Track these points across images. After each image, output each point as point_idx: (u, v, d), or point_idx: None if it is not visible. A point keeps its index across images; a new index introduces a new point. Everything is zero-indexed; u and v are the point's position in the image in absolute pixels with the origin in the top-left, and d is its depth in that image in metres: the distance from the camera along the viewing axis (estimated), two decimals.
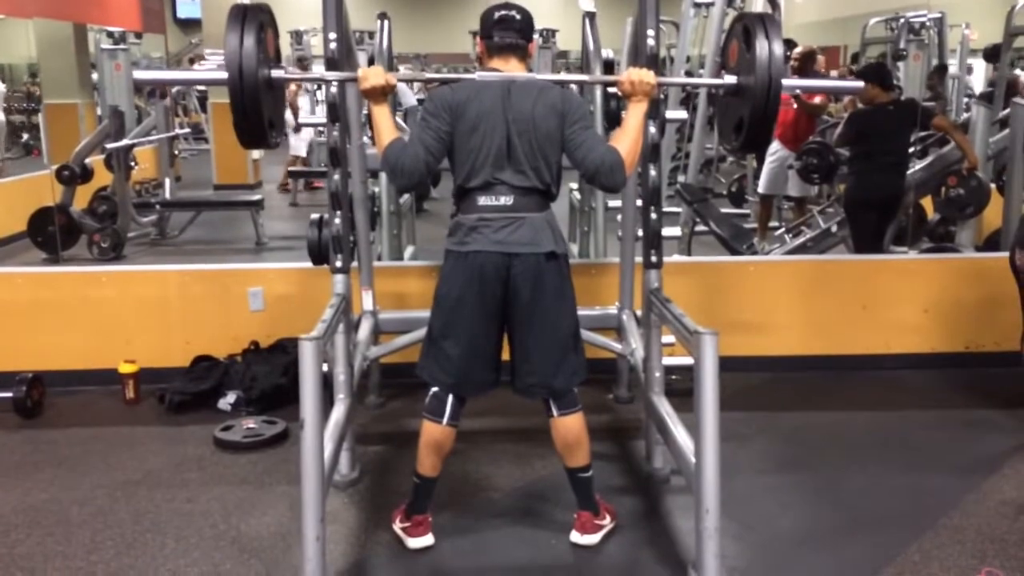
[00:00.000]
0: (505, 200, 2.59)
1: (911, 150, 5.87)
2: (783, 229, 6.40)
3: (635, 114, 2.62)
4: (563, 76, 2.62)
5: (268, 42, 2.62)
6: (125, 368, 3.91)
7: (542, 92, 2.60)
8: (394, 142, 2.56)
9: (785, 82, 2.64)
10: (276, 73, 2.64)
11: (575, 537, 2.78)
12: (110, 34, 10.35)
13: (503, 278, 2.58)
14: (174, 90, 11.67)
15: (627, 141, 2.58)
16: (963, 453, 3.48)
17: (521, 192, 2.59)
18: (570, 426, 2.72)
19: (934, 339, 4.33)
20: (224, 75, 2.50)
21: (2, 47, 11.79)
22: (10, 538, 2.82)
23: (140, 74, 3.01)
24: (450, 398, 2.68)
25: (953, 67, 8.56)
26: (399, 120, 4.19)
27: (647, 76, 2.60)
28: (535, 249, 2.58)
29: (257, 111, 2.55)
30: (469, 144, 2.57)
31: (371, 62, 4.52)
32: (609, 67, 4.35)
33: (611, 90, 4.45)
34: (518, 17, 2.65)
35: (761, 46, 2.57)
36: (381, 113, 2.60)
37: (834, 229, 5.63)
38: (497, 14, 2.65)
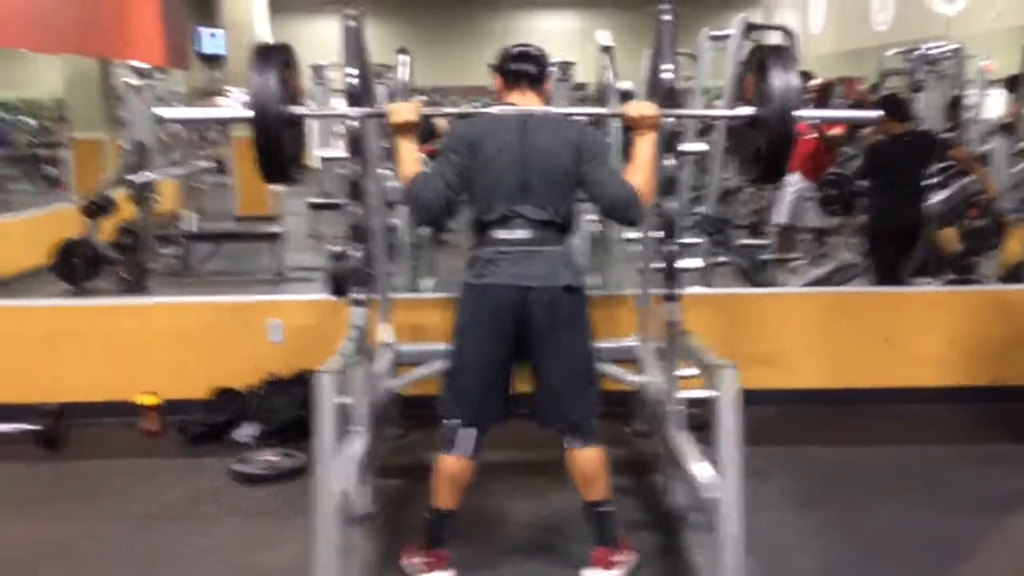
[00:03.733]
0: (522, 234, 2.60)
1: (931, 181, 5.85)
2: (803, 260, 6.37)
3: (643, 147, 2.64)
4: (576, 110, 2.67)
5: (290, 80, 2.66)
6: (145, 400, 3.93)
7: (559, 127, 2.63)
8: (416, 176, 2.59)
9: (801, 112, 2.65)
10: (298, 110, 2.68)
11: (592, 573, 2.74)
12: (135, 70, 10.52)
13: (519, 311, 2.58)
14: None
15: (640, 175, 2.59)
16: (987, 490, 3.42)
17: (538, 226, 2.60)
18: (588, 459, 2.70)
19: (958, 372, 4.27)
20: (248, 113, 2.55)
21: (31, 82, 12.02)
22: (23, 573, 2.82)
23: (166, 112, 3.07)
24: (468, 431, 2.67)
25: (971, 98, 8.52)
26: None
27: (649, 109, 2.64)
28: (552, 282, 2.59)
29: (279, 148, 2.59)
30: (487, 178, 2.59)
31: (391, 96, 4.57)
32: (627, 99, 4.37)
33: None
34: (534, 53, 2.72)
35: (777, 78, 2.58)
36: (407, 147, 2.63)
37: (855, 260, 5.61)
38: (515, 50, 2.72)
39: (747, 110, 2.76)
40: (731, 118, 2.93)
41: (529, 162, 2.58)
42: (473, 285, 2.63)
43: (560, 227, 2.65)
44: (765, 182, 2.68)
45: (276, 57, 2.60)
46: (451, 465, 2.68)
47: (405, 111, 2.63)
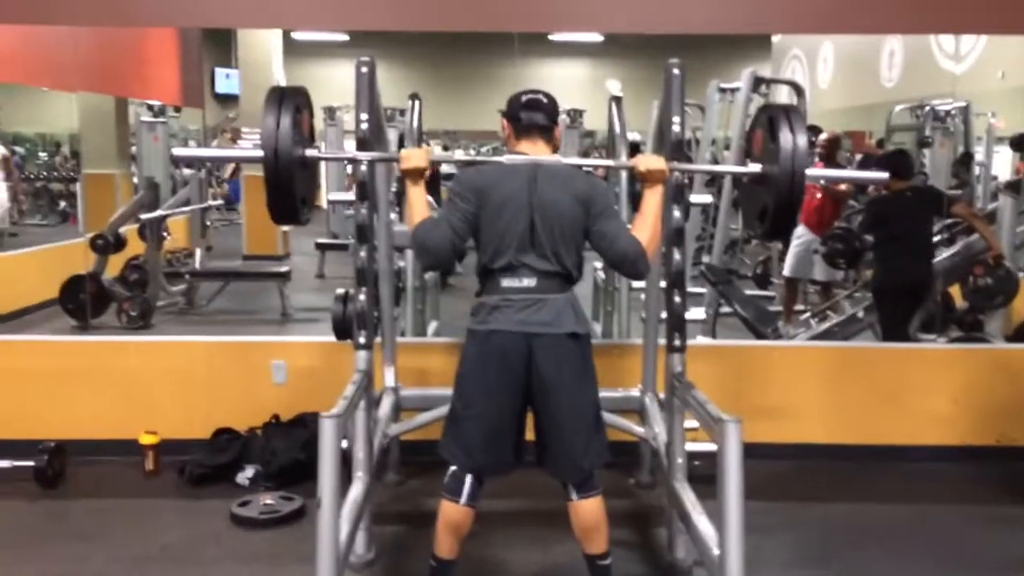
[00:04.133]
0: (528, 282, 2.61)
1: (937, 238, 5.86)
2: (809, 313, 6.36)
3: (651, 200, 2.67)
4: (584, 160, 2.71)
5: (303, 122, 2.69)
6: (145, 439, 3.91)
7: (568, 179, 2.65)
8: (424, 222, 2.61)
9: (809, 172, 2.67)
10: (310, 152, 2.71)
11: None
12: (150, 107, 10.67)
13: (524, 358, 2.58)
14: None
15: (647, 230, 2.62)
16: (993, 550, 3.38)
17: (543, 275, 2.61)
18: (589, 510, 2.68)
19: (964, 431, 4.23)
20: (260, 153, 2.57)
21: (47, 118, 12.18)
22: None
23: (179, 151, 3.12)
24: (468, 478, 2.65)
25: (979, 155, 8.58)
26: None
27: (658, 163, 2.67)
28: (557, 329, 2.59)
29: (290, 189, 2.61)
30: (494, 227, 2.61)
31: (401, 140, 4.61)
32: (635, 149, 4.42)
33: None
34: (545, 101, 2.73)
35: (785, 138, 2.61)
36: (416, 193, 2.66)
37: (860, 315, 5.60)
38: (525, 97, 2.73)
39: (755, 167, 2.79)
40: (739, 174, 2.95)
41: (537, 213, 2.60)
42: (477, 331, 2.63)
43: (565, 277, 2.66)
44: (771, 239, 2.70)
45: (290, 99, 2.63)
46: (452, 512, 2.66)
47: (415, 157, 2.66)
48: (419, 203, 2.66)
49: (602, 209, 2.65)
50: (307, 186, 2.80)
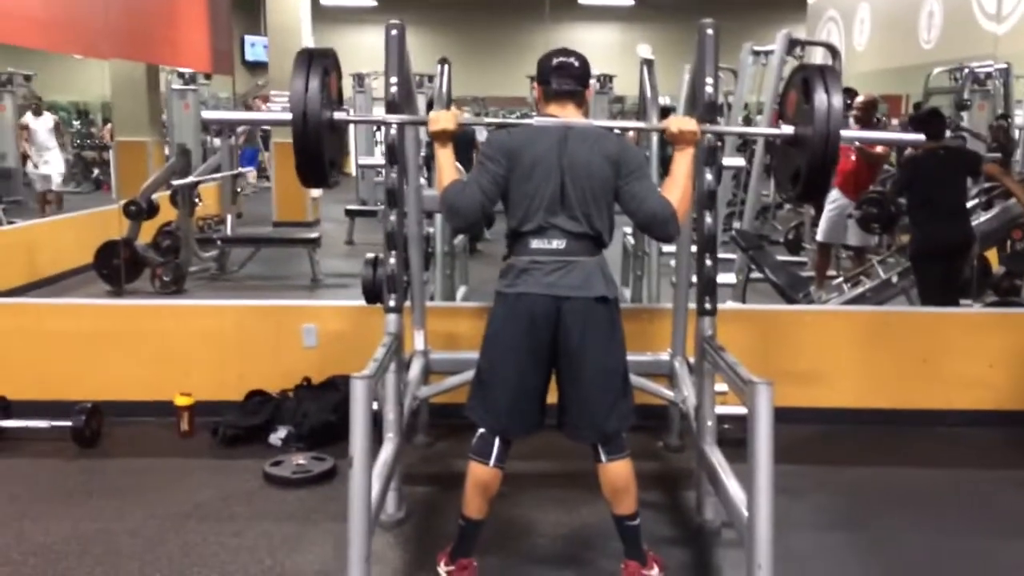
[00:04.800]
0: (557, 244, 2.59)
1: (974, 202, 5.75)
2: (841, 279, 6.30)
3: (681, 162, 2.64)
4: (615, 123, 2.66)
5: (332, 85, 2.68)
6: (180, 400, 3.97)
7: (599, 140, 2.62)
8: (453, 184, 2.60)
9: (844, 133, 2.62)
10: (338, 115, 2.70)
11: None
12: (180, 75, 10.72)
13: (553, 321, 2.57)
14: (239, 129, 12.02)
15: (677, 191, 2.60)
16: None
17: (573, 237, 2.59)
18: (619, 472, 2.68)
19: (999, 396, 4.18)
20: (288, 116, 2.57)
21: (80, 86, 12.28)
22: (61, 566, 2.87)
23: (208, 114, 3.15)
24: (496, 440, 2.66)
25: (1019, 118, 8.40)
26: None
27: (690, 124, 2.64)
28: (586, 293, 2.58)
29: (319, 152, 2.61)
30: (524, 189, 2.59)
31: (429, 105, 4.60)
32: (666, 114, 4.37)
33: None
34: (576, 64, 2.67)
35: (820, 98, 2.57)
36: (445, 155, 2.65)
37: (894, 280, 5.53)
38: (555, 60, 2.67)
39: (788, 129, 2.74)
40: (772, 136, 2.91)
41: (567, 175, 2.57)
42: (507, 294, 2.62)
43: (595, 240, 2.64)
44: (804, 201, 2.67)
45: (318, 62, 2.62)
46: (481, 473, 2.67)
47: (444, 119, 2.64)
48: (448, 166, 2.65)
49: (632, 169, 2.62)
50: (335, 149, 2.79)
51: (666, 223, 2.58)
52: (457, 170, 2.72)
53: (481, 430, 2.69)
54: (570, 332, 2.58)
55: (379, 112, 3.10)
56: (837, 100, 2.58)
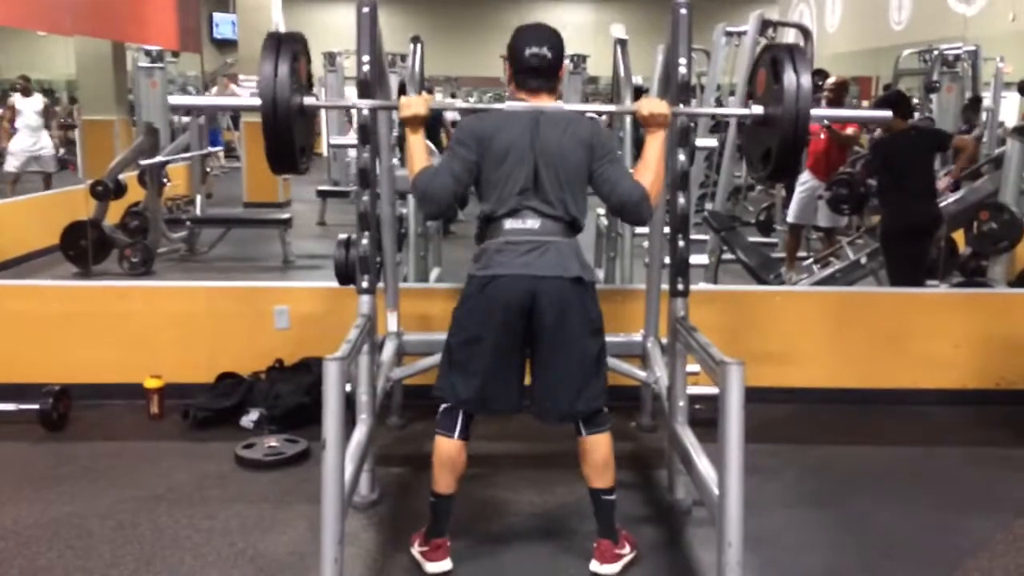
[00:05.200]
0: (532, 224, 2.59)
1: (942, 184, 5.82)
2: (811, 259, 6.35)
3: (653, 145, 2.64)
4: (586, 106, 2.65)
5: (301, 70, 2.65)
6: (150, 383, 3.93)
7: (571, 124, 2.61)
8: (424, 170, 2.59)
9: (813, 112, 2.63)
10: (308, 101, 2.67)
11: (594, 567, 2.74)
12: (147, 52, 10.54)
13: (528, 302, 2.57)
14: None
15: (649, 174, 2.60)
16: (993, 492, 3.41)
17: (548, 218, 2.60)
18: (599, 444, 2.70)
19: (965, 375, 4.25)
20: (258, 102, 2.54)
21: (44, 64, 12.03)
22: (30, 550, 2.84)
23: (175, 99, 3.07)
24: (460, 413, 2.68)
25: (987, 100, 8.49)
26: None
27: (660, 107, 2.64)
28: (562, 273, 2.58)
29: (289, 138, 2.58)
30: (497, 173, 2.58)
31: (402, 87, 4.55)
32: (639, 94, 4.36)
33: None
34: (549, 56, 2.63)
35: (789, 77, 2.57)
36: (416, 141, 2.64)
37: (863, 261, 5.59)
38: (527, 51, 2.62)
39: (758, 108, 2.75)
40: (742, 116, 2.92)
41: (540, 159, 2.57)
42: (479, 276, 2.61)
43: (570, 223, 2.64)
44: (775, 181, 2.67)
45: (287, 46, 2.58)
46: (447, 446, 2.69)
47: (415, 104, 2.63)
48: (419, 151, 2.63)
49: (605, 153, 2.62)
50: (306, 134, 2.76)
51: (638, 206, 2.59)
52: (429, 152, 2.70)
53: (445, 405, 2.70)
54: (544, 314, 2.57)
55: (351, 92, 3.06)
56: (806, 80, 2.58)
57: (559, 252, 2.59)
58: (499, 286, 2.58)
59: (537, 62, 2.62)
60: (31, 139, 9.24)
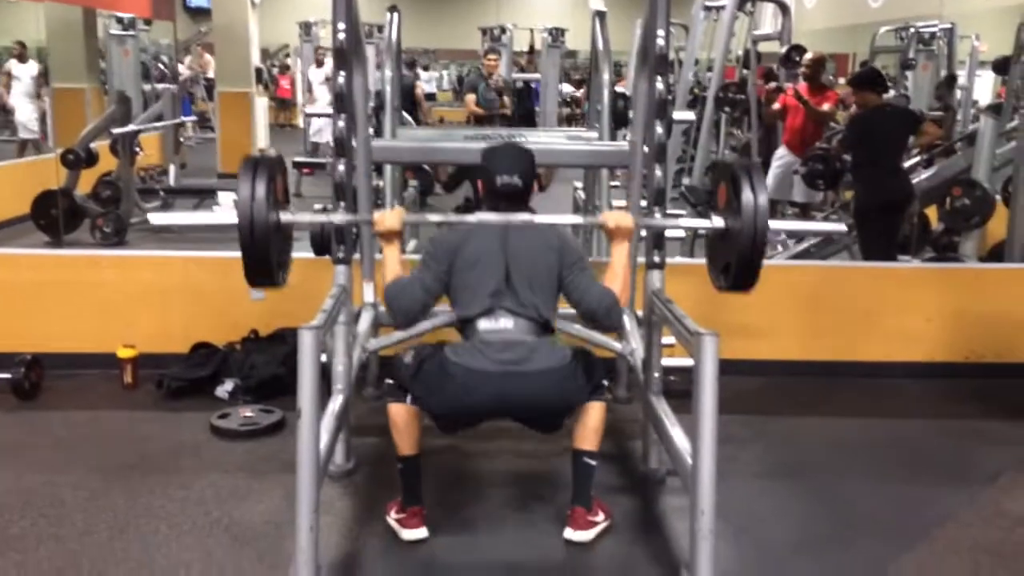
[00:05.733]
0: (505, 323, 2.71)
1: (915, 160, 5.87)
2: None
3: (619, 253, 2.77)
4: (555, 218, 2.77)
5: (277, 188, 2.70)
6: (124, 353, 3.90)
7: (539, 232, 2.77)
8: (396, 281, 2.73)
9: (772, 224, 2.70)
10: (285, 217, 2.72)
11: (568, 534, 2.77)
12: (119, 20, 10.34)
13: (500, 394, 2.64)
14: (182, 78, 11.69)
15: (618, 282, 2.74)
16: (961, 463, 3.48)
17: (522, 318, 2.71)
18: (595, 409, 2.77)
19: (935, 349, 4.31)
20: (235, 220, 2.59)
21: (12, 30, 11.78)
22: (3, 519, 2.82)
23: (155, 217, 3.22)
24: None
25: (962, 78, 8.55)
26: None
27: (626, 220, 2.76)
28: (535, 366, 2.65)
29: (266, 253, 2.62)
30: (469, 279, 2.72)
31: (378, 97, 4.47)
32: (618, 71, 4.35)
33: (618, 89, 4.47)
34: (519, 185, 2.77)
35: (747, 196, 2.64)
36: (390, 252, 2.76)
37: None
38: (499, 180, 2.76)
39: (719, 221, 2.78)
40: (704, 228, 2.95)
41: (511, 262, 2.71)
42: (455, 362, 2.65)
43: (543, 325, 2.74)
44: (736, 290, 2.74)
45: (264, 168, 2.62)
46: (400, 412, 2.74)
47: (389, 219, 2.75)
48: (392, 262, 2.75)
49: (574, 261, 2.76)
50: (282, 249, 2.81)
51: (609, 312, 2.72)
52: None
53: (390, 380, 2.79)
54: (522, 401, 2.66)
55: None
56: (763, 198, 2.63)
57: (531, 348, 2.67)
58: (474, 377, 2.62)
59: (509, 191, 2.77)
60: (31, 106, 9.18)
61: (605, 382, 2.84)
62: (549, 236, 2.78)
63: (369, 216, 2.86)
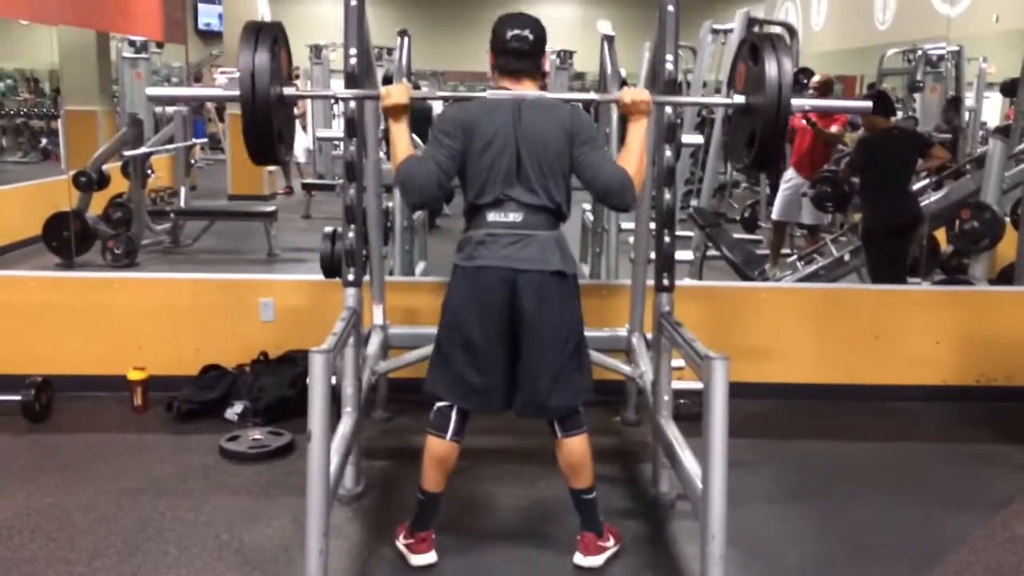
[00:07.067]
0: (514, 217, 2.59)
1: (924, 182, 5.87)
2: (795, 256, 6.39)
3: (635, 132, 2.65)
4: (569, 95, 2.65)
5: (281, 59, 2.63)
6: (134, 375, 3.91)
7: (552, 111, 2.62)
8: (408, 159, 2.58)
9: (794, 102, 2.64)
10: (288, 90, 2.66)
11: (578, 559, 2.75)
12: (131, 43, 10.45)
13: (509, 294, 2.57)
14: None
15: (632, 160, 2.61)
16: (973, 487, 3.45)
17: (531, 209, 2.59)
18: (575, 447, 2.70)
19: (945, 372, 4.30)
20: (236, 92, 2.52)
21: (27, 53, 11.92)
22: (13, 542, 2.82)
23: (153, 90, 3.05)
24: (454, 413, 2.67)
25: (969, 100, 8.55)
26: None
27: (643, 95, 2.65)
28: (542, 267, 2.58)
29: (268, 128, 2.56)
30: (480, 162, 2.58)
31: (388, 80, 4.55)
32: (624, 87, 4.37)
33: None
34: (531, 38, 2.63)
35: (769, 64, 2.58)
36: (399, 130, 2.62)
37: (847, 258, 5.63)
38: (509, 33, 2.63)
39: (740, 98, 2.77)
40: (724, 105, 2.92)
41: (522, 146, 2.57)
42: (465, 267, 2.61)
43: (554, 212, 2.64)
44: (758, 167, 2.66)
45: (267, 35, 2.56)
46: (438, 447, 2.68)
47: (395, 93, 2.61)
48: (402, 140, 2.62)
49: (587, 139, 2.62)
50: (286, 125, 2.74)
51: (622, 191, 2.58)
52: (414, 144, 2.70)
53: (438, 404, 2.69)
54: (524, 305, 2.57)
55: (337, 86, 3.05)
56: (787, 64, 2.59)
57: (540, 245, 2.59)
58: (481, 277, 2.57)
59: (519, 44, 2.62)
60: None
61: (582, 410, 2.71)
62: (561, 115, 2.61)
63: (376, 92, 2.73)
